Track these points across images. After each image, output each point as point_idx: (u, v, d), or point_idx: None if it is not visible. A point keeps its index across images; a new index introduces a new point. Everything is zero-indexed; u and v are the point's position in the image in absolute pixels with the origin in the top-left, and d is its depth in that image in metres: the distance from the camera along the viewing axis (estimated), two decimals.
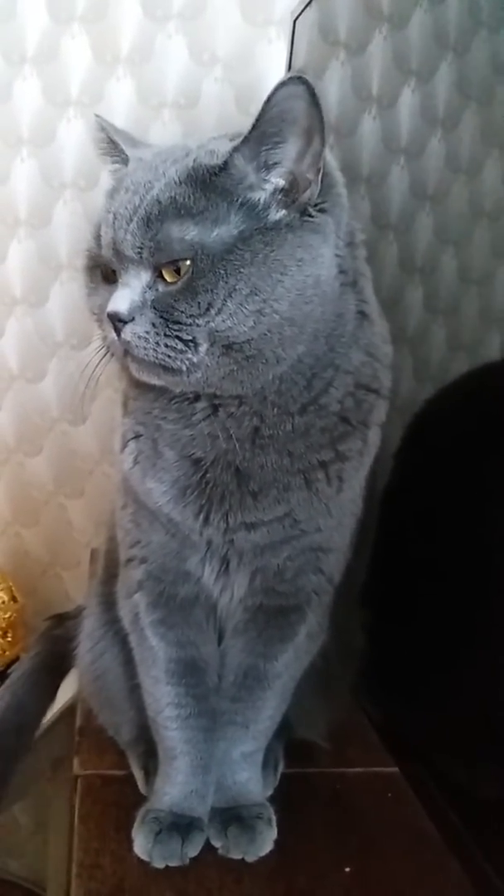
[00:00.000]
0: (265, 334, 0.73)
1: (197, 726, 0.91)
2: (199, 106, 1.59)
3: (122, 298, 0.74)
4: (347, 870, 0.88)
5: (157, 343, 0.73)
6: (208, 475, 0.81)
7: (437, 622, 1.03)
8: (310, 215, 0.75)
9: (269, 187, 0.74)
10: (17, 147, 1.61)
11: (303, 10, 1.43)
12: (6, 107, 1.59)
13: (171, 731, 0.91)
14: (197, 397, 0.80)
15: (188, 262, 0.73)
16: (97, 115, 0.86)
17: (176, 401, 0.80)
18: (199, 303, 0.73)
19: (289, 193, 0.74)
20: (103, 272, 0.79)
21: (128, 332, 0.74)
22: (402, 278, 1.25)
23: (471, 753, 0.96)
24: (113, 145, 0.84)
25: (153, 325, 0.74)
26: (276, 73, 1.55)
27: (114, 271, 0.77)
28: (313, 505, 0.83)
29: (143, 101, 1.58)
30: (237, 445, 0.79)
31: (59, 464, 1.81)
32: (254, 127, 0.72)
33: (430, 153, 1.19)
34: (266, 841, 0.89)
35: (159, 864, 0.86)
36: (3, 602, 1.70)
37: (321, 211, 0.76)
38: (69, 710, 1.21)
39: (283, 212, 0.74)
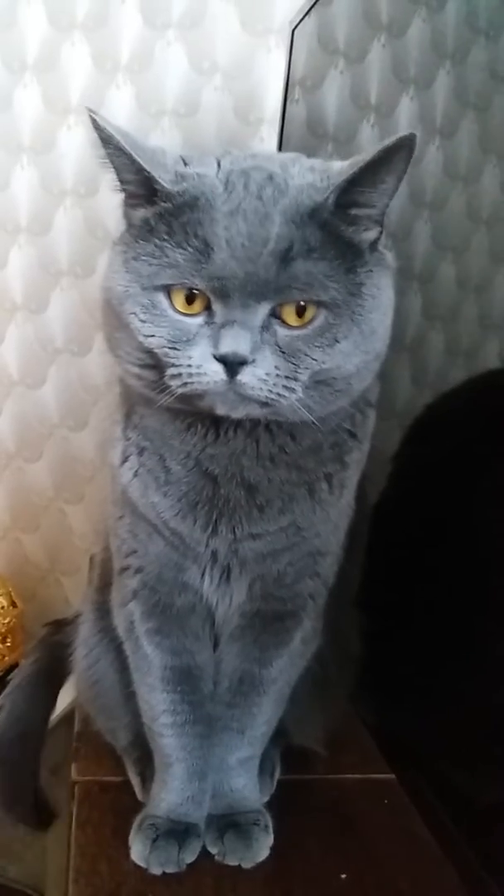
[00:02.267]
0: (358, 371, 0.74)
1: (193, 733, 0.91)
2: (199, 114, 1.59)
3: (243, 338, 0.69)
4: (343, 876, 0.87)
5: (276, 384, 0.70)
6: (221, 490, 0.81)
7: (435, 628, 1.03)
8: (380, 251, 0.76)
9: (363, 228, 0.74)
10: (18, 154, 1.62)
11: (301, 20, 1.44)
12: (7, 114, 1.61)
13: (167, 738, 0.91)
14: (231, 422, 0.77)
15: (316, 305, 0.71)
16: (101, 126, 0.72)
17: (203, 425, 0.78)
18: (328, 346, 0.71)
19: (374, 227, 0.75)
20: (187, 298, 0.71)
21: (248, 374, 0.70)
22: (401, 285, 1.25)
23: (467, 760, 0.96)
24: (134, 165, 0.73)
25: (276, 367, 0.70)
26: (274, 81, 1.56)
27: (209, 301, 0.71)
28: (316, 513, 0.84)
29: (142, 109, 1.59)
30: (257, 462, 0.79)
31: (59, 469, 1.81)
32: (363, 169, 0.70)
33: (428, 160, 1.19)
34: (262, 847, 0.89)
35: (156, 871, 0.86)
36: (3, 607, 1.70)
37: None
38: (68, 716, 1.20)
39: (372, 252, 0.75)
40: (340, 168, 0.74)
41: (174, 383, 0.72)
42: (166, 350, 0.72)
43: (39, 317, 1.72)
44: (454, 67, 1.16)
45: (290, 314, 0.71)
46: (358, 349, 0.73)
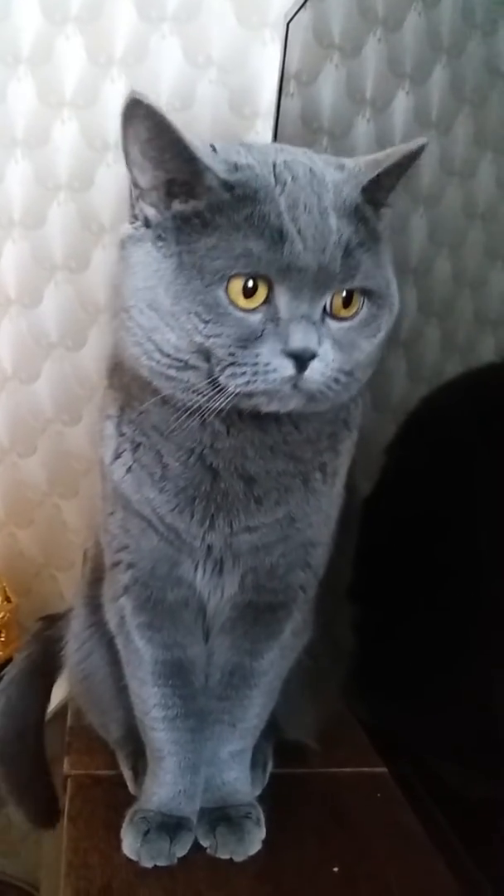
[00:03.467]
0: (374, 360, 0.77)
1: (184, 727, 0.91)
2: (194, 108, 1.59)
3: (312, 332, 0.70)
4: (335, 869, 0.88)
5: (329, 377, 0.71)
6: (221, 484, 0.81)
7: (427, 621, 1.03)
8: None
9: (382, 224, 0.76)
10: (12, 148, 1.62)
11: (296, 13, 1.44)
12: (0, 108, 1.60)
13: (159, 731, 0.91)
14: (244, 414, 0.77)
15: (361, 296, 0.73)
16: (155, 112, 0.68)
17: (220, 420, 0.77)
18: (372, 336, 0.74)
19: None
20: (246, 292, 0.70)
21: (316, 369, 0.70)
22: (397, 280, 1.26)
23: (459, 754, 0.96)
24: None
25: (333, 359, 0.71)
26: (270, 75, 1.56)
27: (269, 291, 0.70)
28: (309, 503, 0.84)
29: None
30: (259, 453, 0.79)
31: (53, 464, 1.81)
32: (388, 170, 0.73)
33: (424, 155, 1.18)
34: (254, 841, 0.89)
35: (148, 864, 0.86)
36: None
37: None
38: (61, 711, 1.21)
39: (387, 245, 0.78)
40: (356, 165, 0.76)
41: (234, 383, 0.70)
42: (231, 349, 0.70)
43: (33, 311, 1.72)
44: (450, 62, 1.16)
45: (339, 306, 0.72)
46: (383, 338, 0.76)
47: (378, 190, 0.75)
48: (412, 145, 0.73)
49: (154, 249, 0.72)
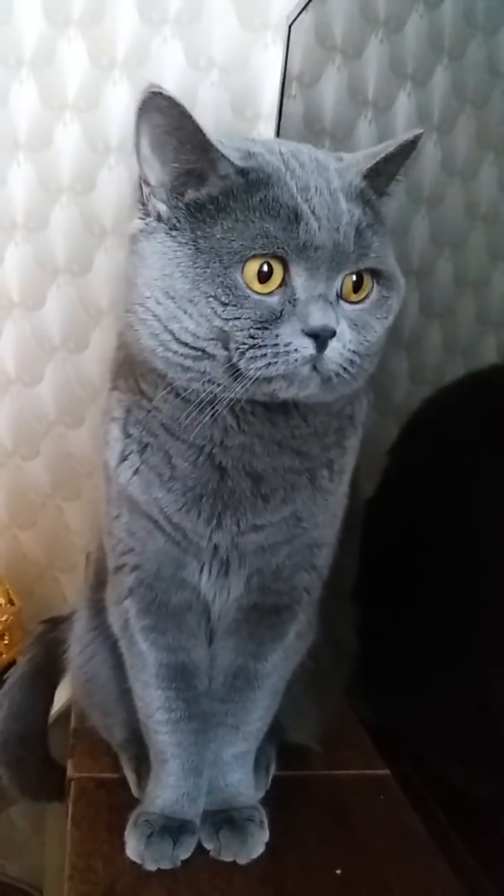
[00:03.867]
0: (380, 349, 0.78)
1: (188, 729, 0.91)
2: (196, 110, 1.53)
3: (330, 311, 0.71)
4: (338, 872, 0.88)
5: (346, 359, 0.72)
6: (229, 483, 0.81)
7: (431, 622, 1.03)
8: None
9: (384, 208, 0.78)
10: (14, 151, 1.62)
11: (298, 15, 1.44)
12: (3, 111, 1.60)
13: (162, 734, 0.91)
14: (256, 406, 0.77)
15: (371, 279, 0.75)
16: (174, 101, 0.69)
17: (228, 414, 0.77)
18: (384, 318, 0.76)
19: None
20: (261, 273, 0.70)
21: (335, 348, 0.71)
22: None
23: (463, 756, 0.96)
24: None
25: (350, 340, 0.73)
26: (271, 77, 1.56)
27: (285, 274, 0.71)
28: (316, 502, 0.84)
29: None
30: (267, 448, 0.80)
31: (56, 467, 1.81)
32: (385, 158, 0.76)
33: (425, 157, 1.19)
34: (257, 843, 0.89)
35: (151, 867, 0.86)
36: (0, 605, 1.70)
37: None
38: (65, 713, 1.21)
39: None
40: (354, 157, 0.78)
41: (255, 366, 0.70)
42: (251, 332, 0.70)
43: (36, 314, 1.72)
44: (452, 63, 1.16)
45: (348, 289, 0.73)
46: (390, 322, 0.77)
47: (378, 177, 0.76)
48: (408, 135, 0.76)
49: (168, 239, 0.72)
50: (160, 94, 0.69)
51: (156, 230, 0.73)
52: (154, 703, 0.91)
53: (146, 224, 0.74)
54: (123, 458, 0.84)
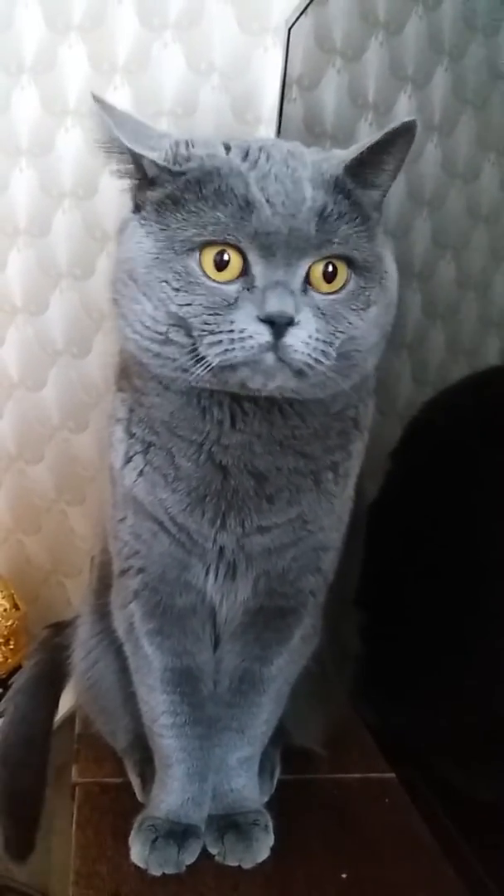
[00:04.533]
0: (374, 345, 0.77)
1: (192, 734, 0.91)
2: (197, 114, 1.59)
3: (288, 298, 0.70)
4: (344, 876, 0.87)
5: (314, 349, 0.71)
6: (232, 482, 0.81)
7: (434, 626, 1.03)
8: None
9: (372, 206, 0.77)
10: (16, 157, 1.62)
11: (297, 18, 1.44)
12: (4, 117, 1.60)
13: (167, 739, 0.91)
14: (248, 403, 0.78)
15: (347, 269, 0.74)
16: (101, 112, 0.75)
17: (219, 410, 0.78)
18: (362, 310, 0.74)
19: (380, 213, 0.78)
20: (218, 262, 0.72)
21: (293, 336, 0.70)
22: (401, 283, 1.25)
23: (467, 758, 0.95)
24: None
25: (317, 330, 0.72)
26: (272, 80, 1.55)
27: (244, 263, 0.72)
28: (321, 504, 0.84)
29: (140, 110, 1.58)
30: (268, 448, 0.80)
31: (60, 471, 1.81)
32: (371, 148, 0.74)
33: (426, 158, 1.19)
34: (262, 848, 0.89)
35: (156, 872, 0.86)
36: (5, 610, 1.70)
37: None
38: (70, 718, 1.21)
39: (380, 229, 0.78)
40: (345, 151, 0.77)
41: (212, 352, 0.71)
42: (204, 318, 0.71)
43: (39, 319, 1.72)
44: (452, 65, 1.16)
45: (318, 279, 0.73)
46: (381, 319, 0.76)
47: (364, 168, 0.75)
48: (396, 123, 0.73)
49: (138, 227, 0.76)
50: (96, 103, 0.75)
51: (131, 220, 0.77)
52: (159, 708, 0.91)
53: (130, 214, 0.78)
54: (128, 460, 0.84)
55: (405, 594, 1.08)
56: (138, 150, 0.74)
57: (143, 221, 0.76)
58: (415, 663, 1.05)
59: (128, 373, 0.84)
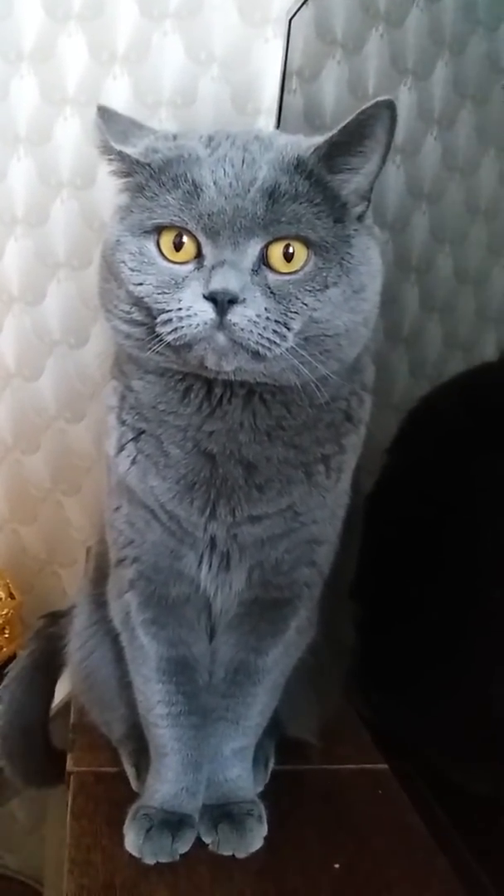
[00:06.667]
0: (347, 331, 0.76)
1: (187, 724, 0.91)
2: (196, 105, 1.59)
3: (233, 276, 0.71)
4: (337, 866, 0.88)
5: (265, 328, 0.71)
6: (220, 470, 0.81)
7: (428, 618, 1.03)
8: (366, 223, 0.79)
9: (348, 190, 0.76)
10: (14, 145, 1.62)
11: (298, 10, 1.43)
12: (3, 105, 1.60)
13: (162, 728, 0.91)
14: (226, 389, 0.79)
15: (307, 250, 0.73)
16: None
17: (197, 394, 0.79)
18: (318, 291, 0.73)
19: (360, 198, 0.77)
20: (175, 244, 0.74)
21: (239, 314, 0.71)
22: (399, 277, 1.25)
23: (461, 751, 0.96)
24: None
25: (266, 309, 0.72)
26: (272, 71, 1.55)
27: (199, 245, 0.73)
28: (313, 497, 0.84)
29: (139, 100, 1.59)
30: (254, 437, 0.80)
31: (56, 461, 1.81)
32: (343, 130, 0.74)
33: (426, 152, 1.19)
34: (256, 838, 0.89)
35: (150, 861, 0.86)
36: (1, 599, 1.71)
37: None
38: (65, 708, 1.21)
39: (358, 214, 0.78)
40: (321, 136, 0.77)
41: (164, 330, 0.73)
42: (155, 296, 0.74)
43: (36, 308, 1.72)
44: (452, 58, 1.16)
45: (278, 260, 0.73)
46: (347, 304, 0.75)
47: (339, 150, 0.74)
48: (369, 102, 0.72)
49: (119, 213, 0.79)
50: (98, 112, 0.80)
51: (119, 206, 0.80)
52: (154, 697, 0.91)
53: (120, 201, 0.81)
54: (121, 448, 0.85)
55: (400, 587, 1.08)
56: (118, 146, 0.78)
57: (120, 211, 0.79)
58: (410, 656, 1.06)
59: (119, 360, 0.85)
